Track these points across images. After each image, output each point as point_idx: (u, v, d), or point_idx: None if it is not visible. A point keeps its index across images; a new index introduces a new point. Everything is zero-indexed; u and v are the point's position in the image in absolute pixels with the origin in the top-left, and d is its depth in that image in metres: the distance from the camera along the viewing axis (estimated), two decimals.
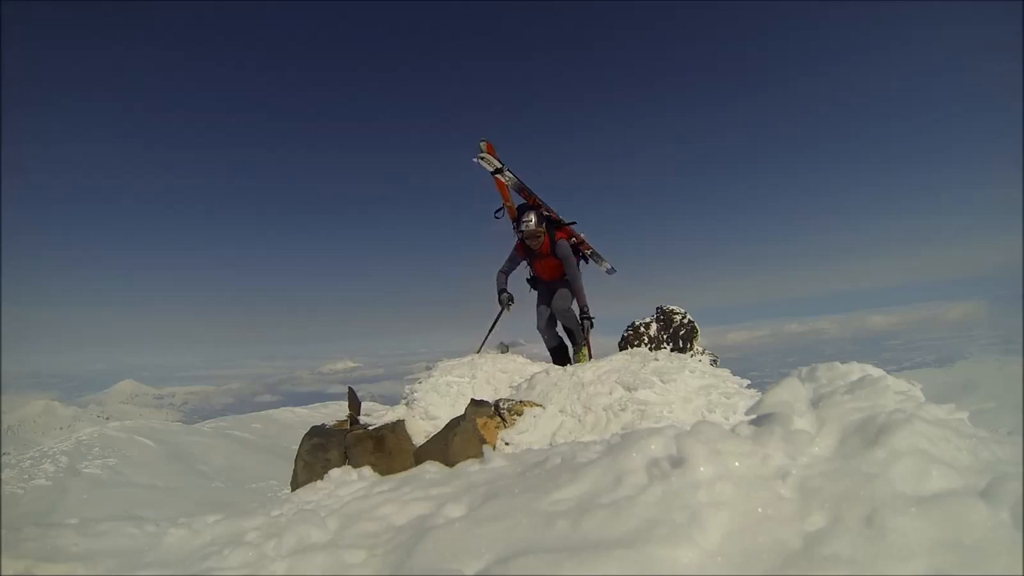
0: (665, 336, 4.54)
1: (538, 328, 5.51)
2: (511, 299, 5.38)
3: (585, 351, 5.27)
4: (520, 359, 4.82)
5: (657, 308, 4.74)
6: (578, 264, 5.36)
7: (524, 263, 5.55)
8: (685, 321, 4.55)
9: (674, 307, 4.68)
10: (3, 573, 1.92)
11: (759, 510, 1.25)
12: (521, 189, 5.30)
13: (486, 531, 1.53)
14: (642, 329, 4.64)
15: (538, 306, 5.56)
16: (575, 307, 5.30)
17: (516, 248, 5.33)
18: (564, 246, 5.20)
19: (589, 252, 5.93)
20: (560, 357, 5.49)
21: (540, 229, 5.05)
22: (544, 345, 5.59)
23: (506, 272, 5.42)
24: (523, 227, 5.01)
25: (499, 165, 5.13)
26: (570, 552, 1.25)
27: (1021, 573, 0.95)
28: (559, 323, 5.48)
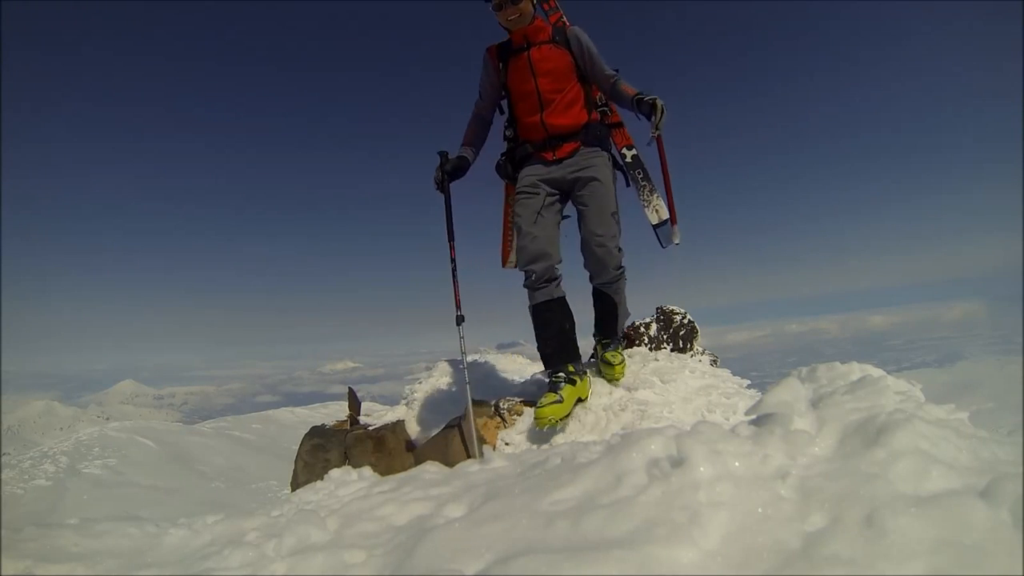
0: (665, 336, 4.53)
1: (525, 264, 2.92)
2: (447, 166, 3.10)
3: (619, 354, 3.20)
4: (520, 359, 4.82)
5: (657, 308, 4.73)
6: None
7: (501, 110, 3.14)
8: (685, 321, 4.55)
9: (674, 307, 4.67)
10: (3, 573, 1.92)
11: (759, 510, 1.25)
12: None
13: (486, 531, 1.53)
14: (642, 329, 4.64)
15: (525, 226, 2.92)
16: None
17: (488, 52, 3.02)
18: (581, 32, 2.95)
19: (631, 156, 3.34)
20: (557, 331, 2.94)
21: None
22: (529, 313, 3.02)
23: (480, 114, 3.18)
24: None
25: None
26: (570, 552, 1.24)
27: (1021, 573, 0.95)
28: (587, 270, 3.13)
